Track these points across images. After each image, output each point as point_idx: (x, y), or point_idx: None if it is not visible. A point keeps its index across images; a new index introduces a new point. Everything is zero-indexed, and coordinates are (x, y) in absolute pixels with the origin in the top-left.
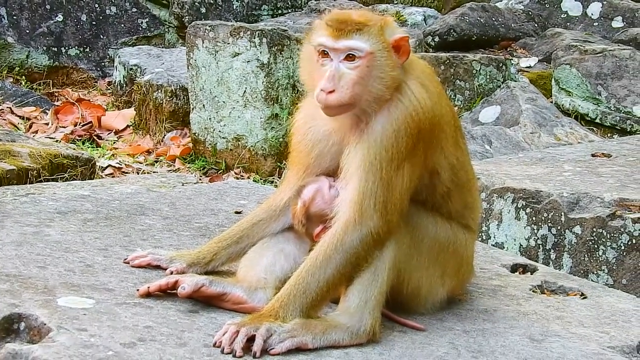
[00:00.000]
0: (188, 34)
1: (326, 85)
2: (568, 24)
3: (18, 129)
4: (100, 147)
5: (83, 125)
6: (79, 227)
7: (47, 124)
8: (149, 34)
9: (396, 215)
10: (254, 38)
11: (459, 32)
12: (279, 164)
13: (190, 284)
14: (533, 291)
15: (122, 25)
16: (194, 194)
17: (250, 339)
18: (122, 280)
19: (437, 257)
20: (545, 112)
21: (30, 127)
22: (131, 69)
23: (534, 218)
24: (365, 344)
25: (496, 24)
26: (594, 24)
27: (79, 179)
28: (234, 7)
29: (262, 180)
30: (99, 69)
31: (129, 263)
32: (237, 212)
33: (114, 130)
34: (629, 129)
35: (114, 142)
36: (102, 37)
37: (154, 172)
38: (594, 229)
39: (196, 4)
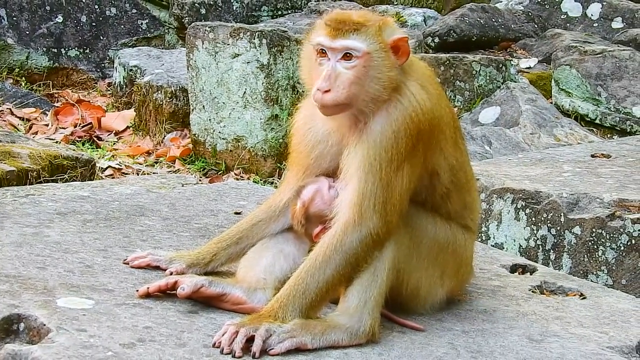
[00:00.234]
0: (188, 35)
1: (322, 85)
2: (568, 24)
3: (18, 130)
4: (100, 148)
5: (83, 127)
6: (78, 228)
7: (47, 125)
8: (148, 35)
9: (396, 216)
10: (254, 39)
11: (458, 33)
12: (278, 164)
13: (189, 285)
14: (532, 291)
15: (122, 26)
16: (193, 195)
17: (250, 340)
18: (122, 281)
19: (436, 257)
20: (545, 113)
21: (30, 128)
22: (131, 70)
23: (533, 218)
24: (364, 344)
25: (496, 25)
26: (594, 25)
27: (79, 180)
28: (234, 8)
29: (261, 181)
30: (98, 70)
31: (128, 264)
32: (236, 213)
33: (113, 132)
34: (628, 130)
35: (114, 143)
36: (102, 38)
37: (153, 173)
38: (594, 230)
39: (196, 5)
